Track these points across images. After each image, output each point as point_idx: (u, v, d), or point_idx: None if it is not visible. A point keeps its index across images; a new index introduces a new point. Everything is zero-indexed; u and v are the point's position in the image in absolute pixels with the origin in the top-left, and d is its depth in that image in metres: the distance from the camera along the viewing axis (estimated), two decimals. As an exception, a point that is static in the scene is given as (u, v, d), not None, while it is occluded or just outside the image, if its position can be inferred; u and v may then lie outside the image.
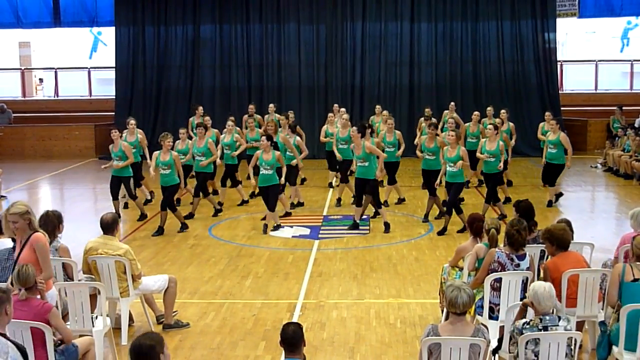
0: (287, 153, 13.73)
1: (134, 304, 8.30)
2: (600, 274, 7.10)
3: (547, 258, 7.37)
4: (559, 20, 22.84)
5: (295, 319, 8.26)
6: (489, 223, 7.46)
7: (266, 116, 17.32)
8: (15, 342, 5.38)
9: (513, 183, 16.20)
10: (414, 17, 22.60)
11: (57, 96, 25.75)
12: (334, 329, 8.08)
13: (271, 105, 17.79)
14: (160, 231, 12.43)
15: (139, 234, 12.66)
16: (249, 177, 13.41)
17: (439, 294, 8.18)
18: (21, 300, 5.88)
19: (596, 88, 24.95)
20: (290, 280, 9.89)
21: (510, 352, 5.82)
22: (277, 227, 12.55)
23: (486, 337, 5.48)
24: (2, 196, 15.71)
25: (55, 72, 25.98)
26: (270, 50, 22.86)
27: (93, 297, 7.33)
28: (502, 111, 16.21)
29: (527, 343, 5.52)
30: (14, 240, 6.80)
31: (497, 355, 6.38)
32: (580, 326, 7.15)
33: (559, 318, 5.63)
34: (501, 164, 12.73)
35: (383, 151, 13.03)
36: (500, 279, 6.91)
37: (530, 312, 5.85)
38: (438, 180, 12.41)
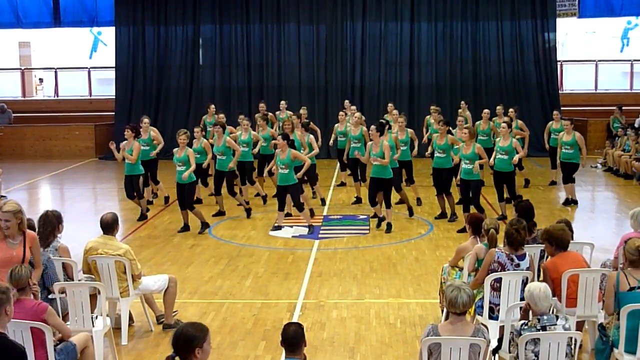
0: (302, 151, 13.63)
1: (134, 304, 8.31)
2: (600, 274, 7.10)
3: (546, 258, 7.37)
4: (559, 20, 22.85)
5: (295, 319, 8.26)
6: (488, 223, 7.46)
7: (277, 113, 17.35)
8: (15, 342, 5.38)
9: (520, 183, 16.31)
10: (414, 17, 22.62)
11: (57, 96, 25.76)
12: (334, 329, 8.08)
13: (282, 102, 17.82)
14: (205, 226, 12.52)
15: (139, 233, 12.67)
16: (271, 174, 13.53)
17: (439, 294, 8.18)
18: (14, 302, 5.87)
19: (596, 88, 24.95)
20: (290, 280, 9.89)
21: (510, 353, 5.82)
22: (277, 228, 12.56)
23: (486, 337, 5.47)
24: (2, 196, 15.70)
25: (55, 72, 25.98)
26: (270, 50, 22.88)
27: (93, 297, 7.32)
28: (511, 110, 16.38)
29: (526, 343, 5.52)
30: None
31: (497, 355, 6.38)
32: (580, 326, 7.16)
33: (557, 317, 5.63)
34: (516, 158, 12.64)
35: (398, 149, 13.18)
36: (500, 279, 6.91)
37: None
38: (458, 177, 12.47)
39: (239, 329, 8.14)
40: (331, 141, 16.28)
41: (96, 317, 7.15)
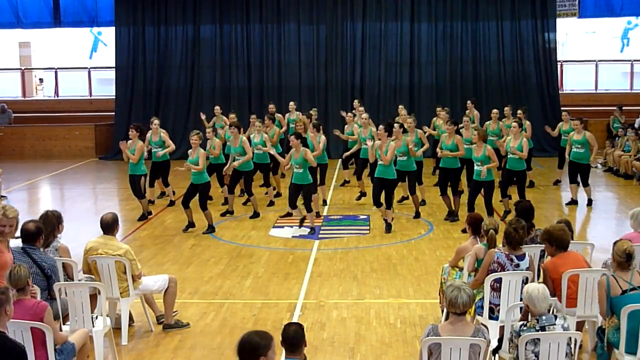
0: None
1: (134, 304, 8.31)
2: (600, 274, 7.09)
3: (546, 258, 7.38)
4: (559, 20, 22.84)
5: (295, 319, 8.26)
6: (488, 224, 7.47)
7: (287, 115, 17.33)
8: (15, 341, 5.39)
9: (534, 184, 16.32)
10: (414, 17, 22.60)
11: (57, 96, 25.75)
12: (334, 329, 8.09)
13: (291, 103, 17.82)
14: (211, 229, 12.50)
15: (139, 233, 12.67)
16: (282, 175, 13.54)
17: (439, 294, 8.18)
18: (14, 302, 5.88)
19: (596, 88, 24.94)
20: (290, 280, 9.89)
21: (510, 353, 5.82)
22: (287, 214, 12.58)
23: (486, 337, 5.48)
24: (2, 196, 15.71)
25: (56, 72, 25.98)
26: (270, 50, 22.87)
27: (93, 297, 7.33)
28: (519, 111, 16.36)
29: (526, 344, 5.52)
30: None
31: (497, 355, 6.38)
32: (580, 326, 7.15)
33: (556, 317, 5.63)
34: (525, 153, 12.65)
35: None
36: (500, 279, 6.91)
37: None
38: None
39: (239, 329, 8.12)
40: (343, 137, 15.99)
41: (96, 317, 7.15)
